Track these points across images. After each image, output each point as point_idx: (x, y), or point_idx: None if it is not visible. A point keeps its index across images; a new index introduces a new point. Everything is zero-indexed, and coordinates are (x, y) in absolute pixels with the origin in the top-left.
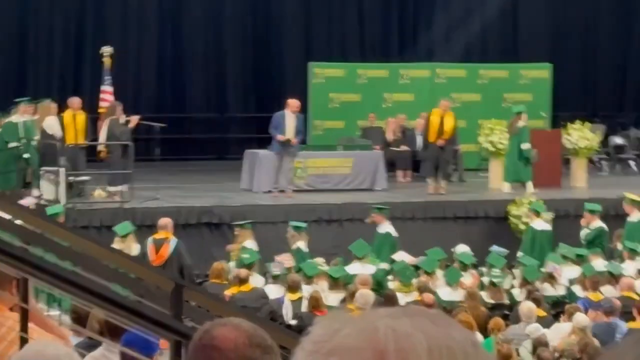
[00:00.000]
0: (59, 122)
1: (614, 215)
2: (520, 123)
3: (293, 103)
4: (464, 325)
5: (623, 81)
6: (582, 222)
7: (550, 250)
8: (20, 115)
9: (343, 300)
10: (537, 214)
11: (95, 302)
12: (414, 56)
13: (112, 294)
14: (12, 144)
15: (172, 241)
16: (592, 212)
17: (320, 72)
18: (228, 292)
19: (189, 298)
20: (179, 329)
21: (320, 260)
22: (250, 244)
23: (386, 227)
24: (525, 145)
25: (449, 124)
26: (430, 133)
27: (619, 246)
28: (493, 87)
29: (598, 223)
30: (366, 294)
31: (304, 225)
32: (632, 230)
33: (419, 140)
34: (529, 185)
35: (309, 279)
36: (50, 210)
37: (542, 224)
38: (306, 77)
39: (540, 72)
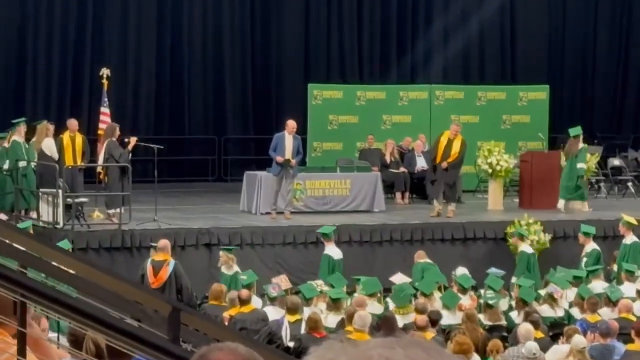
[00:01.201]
0: (55, 143)
1: (613, 236)
2: (580, 145)
3: (291, 124)
4: (461, 347)
5: (621, 103)
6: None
7: (536, 273)
8: (19, 137)
9: (341, 322)
10: (522, 237)
11: (92, 326)
12: (413, 78)
13: (110, 317)
14: (6, 166)
15: (171, 263)
16: (586, 234)
17: (319, 94)
18: (227, 314)
19: (187, 322)
20: (176, 353)
21: (319, 281)
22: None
23: (330, 250)
24: (581, 165)
25: (456, 147)
26: (437, 155)
27: (615, 267)
28: (491, 108)
29: (592, 245)
30: (364, 316)
31: (233, 247)
32: (627, 252)
33: (419, 162)
34: (585, 204)
35: (308, 301)
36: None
37: (527, 248)
38: (305, 98)
39: (538, 94)
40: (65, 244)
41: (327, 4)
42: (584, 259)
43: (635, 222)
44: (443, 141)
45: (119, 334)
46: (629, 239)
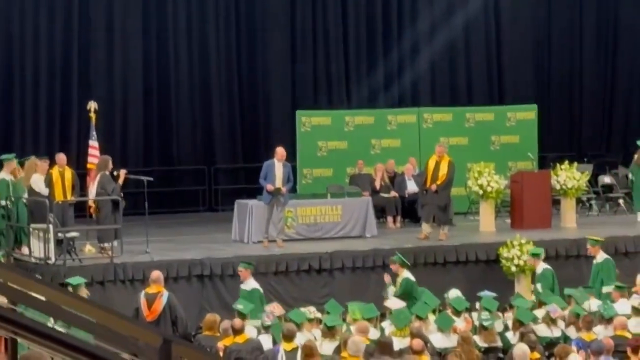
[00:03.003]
0: (44, 179)
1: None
2: None
3: (280, 152)
4: None
5: (609, 120)
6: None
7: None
8: (7, 173)
9: (337, 349)
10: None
11: None
12: (400, 102)
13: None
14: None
15: (164, 295)
16: (534, 255)
17: (307, 120)
18: (222, 344)
19: (179, 353)
20: None
21: (311, 308)
22: (252, 283)
23: (252, 284)
24: None
25: (443, 169)
26: (427, 179)
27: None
28: (480, 129)
29: (542, 265)
30: (357, 342)
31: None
32: (600, 270)
33: (410, 186)
34: None
35: (299, 326)
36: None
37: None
38: (293, 125)
39: (527, 114)
40: (76, 280)
41: (313, 30)
42: (538, 283)
43: (600, 239)
44: (431, 165)
45: None
46: (600, 257)
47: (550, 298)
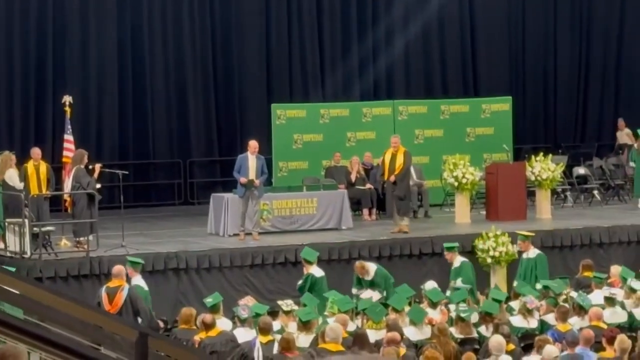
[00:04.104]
0: (20, 173)
1: (580, 245)
2: None
3: (252, 144)
4: None
5: (584, 112)
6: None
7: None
8: None
9: (314, 341)
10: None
11: (62, 356)
12: (376, 94)
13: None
14: None
15: (125, 288)
16: (449, 249)
17: (283, 113)
18: (198, 337)
19: (154, 347)
20: None
21: (289, 301)
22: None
23: (137, 280)
24: None
25: (400, 160)
26: (384, 172)
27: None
28: (455, 121)
29: (459, 259)
30: (336, 328)
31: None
32: (532, 265)
33: None
34: None
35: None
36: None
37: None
38: (269, 118)
39: (501, 105)
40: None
41: (288, 23)
42: (455, 278)
43: (530, 234)
44: (387, 157)
45: None
46: (531, 252)
47: (525, 289)
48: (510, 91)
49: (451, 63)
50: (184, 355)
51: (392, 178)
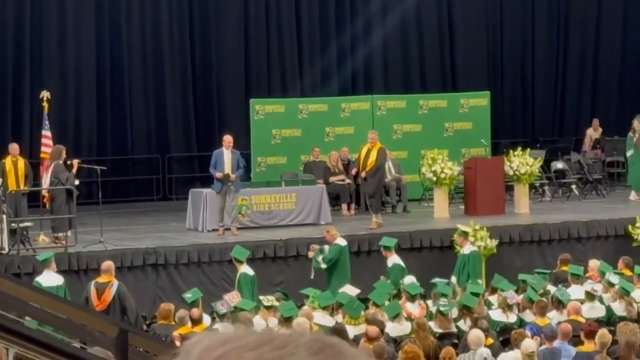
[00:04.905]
0: None
1: (558, 239)
2: None
3: (227, 139)
4: (408, 356)
5: (561, 106)
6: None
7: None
8: None
9: None
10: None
11: (40, 352)
12: (354, 89)
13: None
14: None
15: (114, 284)
16: (386, 248)
17: (261, 109)
18: (177, 333)
19: (134, 343)
20: None
21: (270, 297)
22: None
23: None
24: None
25: (373, 157)
26: (359, 167)
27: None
28: (433, 116)
29: (394, 259)
30: (303, 322)
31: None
32: (465, 261)
33: None
34: None
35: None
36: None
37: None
38: (247, 113)
39: (479, 100)
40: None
41: (266, 18)
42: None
43: (468, 230)
44: (363, 152)
45: (66, 359)
46: (467, 248)
47: (502, 284)
48: (489, 86)
49: (429, 58)
50: (163, 350)
51: (363, 174)
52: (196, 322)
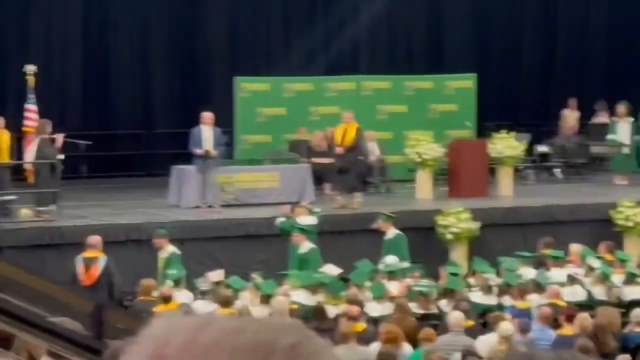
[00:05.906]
0: None
1: (540, 223)
2: None
3: (207, 115)
4: (387, 336)
5: (546, 90)
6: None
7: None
8: None
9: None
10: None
11: (15, 325)
12: (340, 69)
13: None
14: None
15: (102, 259)
16: (303, 231)
17: (246, 87)
18: (156, 310)
19: (110, 318)
20: (101, 349)
21: (254, 275)
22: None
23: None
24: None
25: (350, 134)
26: (334, 145)
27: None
28: (418, 98)
29: (308, 245)
30: (283, 301)
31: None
32: (390, 246)
33: None
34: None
35: (236, 292)
36: None
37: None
38: (232, 91)
39: (465, 82)
40: None
41: None
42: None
43: (392, 215)
44: (339, 131)
45: (41, 332)
46: (390, 233)
47: (482, 266)
48: (476, 68)
49: (417, 39)
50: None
51: (341, 150)
52: (167, 300)
